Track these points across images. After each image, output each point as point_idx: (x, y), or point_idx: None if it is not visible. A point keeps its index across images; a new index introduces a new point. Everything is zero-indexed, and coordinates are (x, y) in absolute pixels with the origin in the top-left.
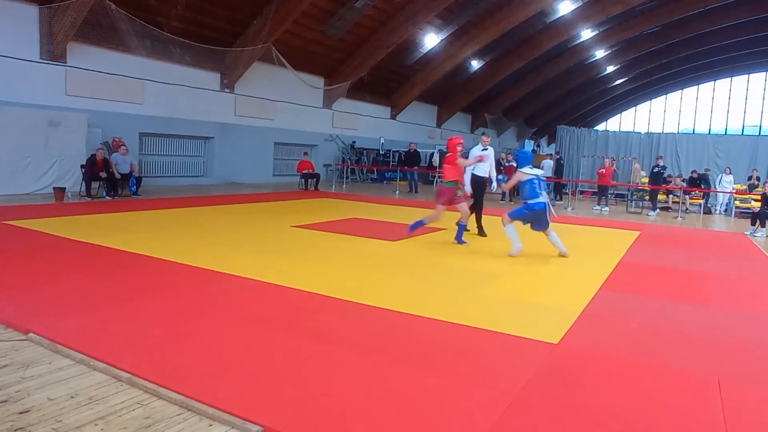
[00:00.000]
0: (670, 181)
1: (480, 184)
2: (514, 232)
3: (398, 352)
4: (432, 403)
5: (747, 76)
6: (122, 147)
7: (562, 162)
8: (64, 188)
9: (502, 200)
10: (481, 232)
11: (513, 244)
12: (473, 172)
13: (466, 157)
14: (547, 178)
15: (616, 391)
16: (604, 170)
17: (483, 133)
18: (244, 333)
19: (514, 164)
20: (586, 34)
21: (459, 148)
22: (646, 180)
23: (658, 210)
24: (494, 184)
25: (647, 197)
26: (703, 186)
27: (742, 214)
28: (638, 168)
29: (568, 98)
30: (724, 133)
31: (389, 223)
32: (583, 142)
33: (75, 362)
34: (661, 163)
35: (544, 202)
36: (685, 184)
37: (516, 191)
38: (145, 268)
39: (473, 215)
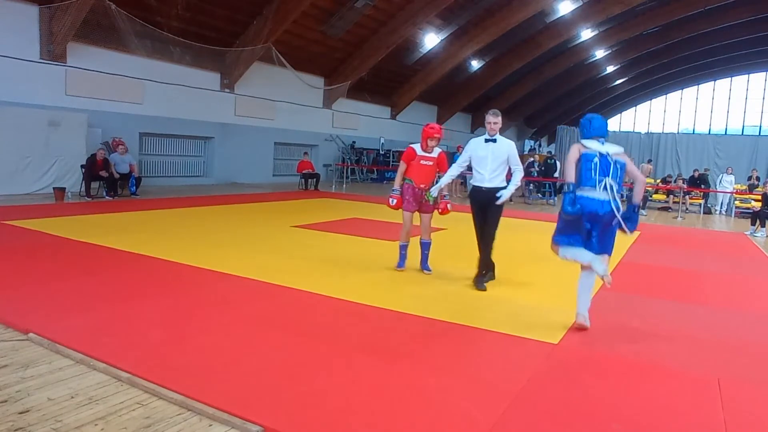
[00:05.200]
0: (669, 182)
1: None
2: (574, 253)
3: (398, 352)
4: (432, 403)
5: (747, 76)
6: (120, 147)
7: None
8: (64, 188)
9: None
10: None
11: (579, 295)
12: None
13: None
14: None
15: (616, 391)
16: None
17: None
18: (244, 333)
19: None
20: (586, 34)
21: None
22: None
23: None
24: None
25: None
26: (702, 186)
27: (742, 214)
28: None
29: (568, 98)
30: (724, 133)
31: (389, 223)
32: None
33: (75, 362)
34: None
35: (603, 200)
36: (685, 185)
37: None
38: (145, 268)
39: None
